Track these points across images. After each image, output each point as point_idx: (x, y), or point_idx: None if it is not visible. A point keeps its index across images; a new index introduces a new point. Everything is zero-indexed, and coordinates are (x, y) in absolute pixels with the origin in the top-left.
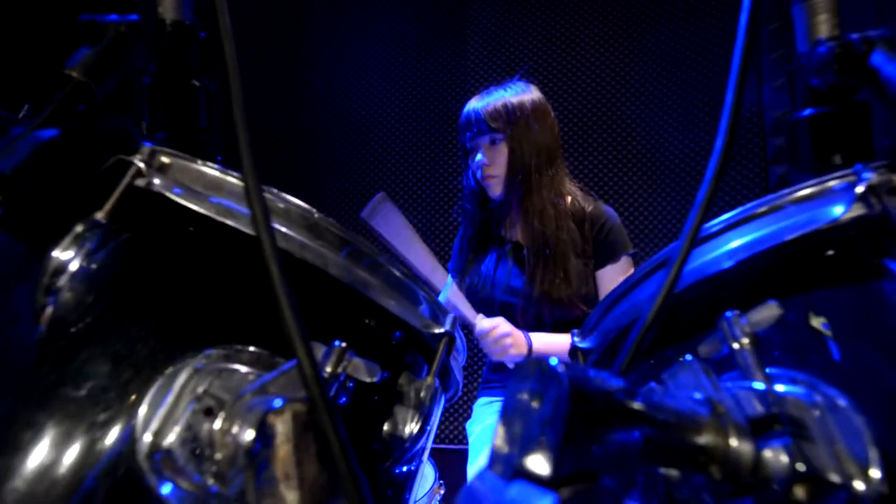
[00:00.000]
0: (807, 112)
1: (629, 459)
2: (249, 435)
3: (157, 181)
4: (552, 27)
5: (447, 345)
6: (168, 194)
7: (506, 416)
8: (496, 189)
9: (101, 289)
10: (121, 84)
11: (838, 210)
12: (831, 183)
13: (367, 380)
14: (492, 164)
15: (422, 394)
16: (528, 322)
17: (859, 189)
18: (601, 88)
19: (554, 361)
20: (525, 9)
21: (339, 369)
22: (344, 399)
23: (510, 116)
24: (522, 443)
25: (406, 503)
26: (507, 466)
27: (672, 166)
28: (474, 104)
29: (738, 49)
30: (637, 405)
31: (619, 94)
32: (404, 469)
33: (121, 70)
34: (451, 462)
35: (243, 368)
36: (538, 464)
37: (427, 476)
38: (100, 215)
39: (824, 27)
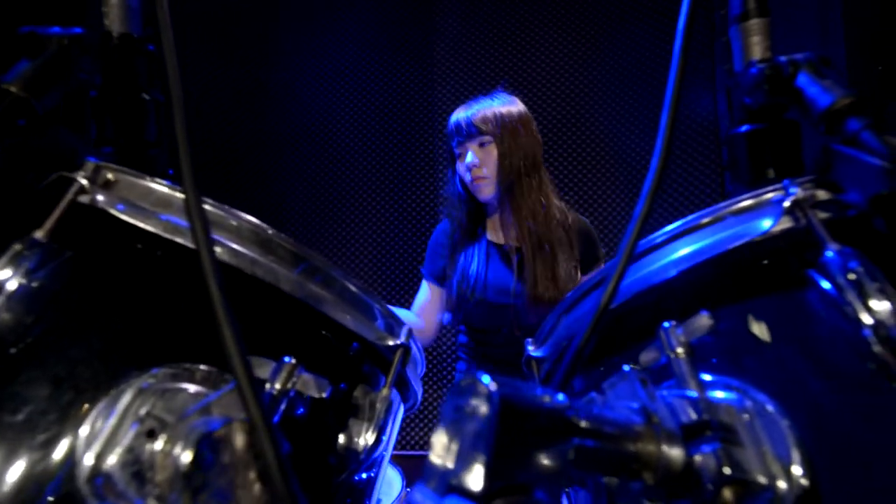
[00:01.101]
0: (742, 128)
1: (563, 471)
2: (187, 457)
3: (101, 198)
4: (518, 34)
5: (402, 356)
6: (112, 211)
7: (441, 431)
8: (486, 191)
9: (41, 309)
10: (72, 98)
11: (767, 223)
12: (767, 196)
13: (317, 395)
14: (482, 164)
15: (377, 405)
16: (524, 323)
17: (786, 203)
18: (567, 93)
19: (486, 379)
20: (491, 16)
21: (289, 385)
22: (301, 411)
23: (499, 121)
24: (456, 459)
25: None
26: (441, 482)
27: (637, 170)
28: (463, 111)
29: (669, 89)
30: (571, 418)
31: (584, 99)
32: (363, 476)
33: (63, 84)
34: (419, 468)
35: (192, 387)
36: (469, 480)
37: (393, 483)
38: (39, 233)
39: (757, 49)
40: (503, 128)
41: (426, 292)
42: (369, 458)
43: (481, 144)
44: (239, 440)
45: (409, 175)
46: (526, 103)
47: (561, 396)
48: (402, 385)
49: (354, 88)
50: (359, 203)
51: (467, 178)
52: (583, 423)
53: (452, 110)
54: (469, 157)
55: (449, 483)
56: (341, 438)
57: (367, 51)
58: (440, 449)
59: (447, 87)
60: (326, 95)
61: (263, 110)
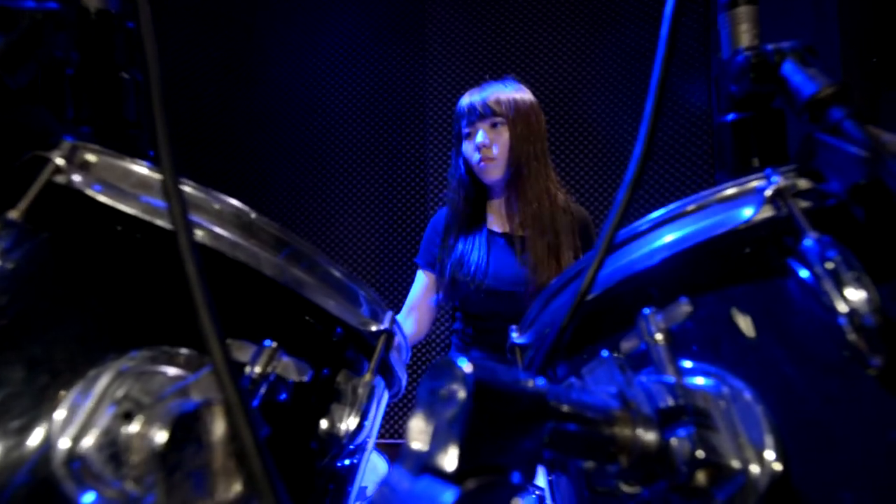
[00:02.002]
0: (728, 117)
1: (538, 454)
2: (161, 437)
3: (77, 178)
4: (512, 21)
5: (386, 342)
6: (88, 192)
7: (418, 412)
8: (493, 173)
9: (16, 290)
10: (49, 75)
11: (749, 211)
12: (752, 184)
13: (297, 379)
14: (491, 145)
15: (359, 391)
16: (524, 310)
17: (768, 192)
18: (561, 82)
19: (462, 362)
20: (484, 5)
21: (269, 369)
22: (283, 396)
23: (513, 105)
24: (430, 441)
25: (349, 495)
26: (416, 462)
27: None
28: (477, 93)
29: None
30: (547, 402)
31: (579, 89)
32: (346, 462)
33: (37, 61)
34: None
35: (172, 370)
36: (443, 460)
37: (379, 470)
38: (14, 214)
39: (745, 37)
40: (517, 112)
41: (422, 282)
42: (351, 443)
43: (493, 125)
44: (214, 421)
45: (400, 165)
46: None
47: (538, 380)
48: (386, 371)
49: (345, 74)
50: (347, 189)
51: (475, 158)
52: (559, 407)
53: (444, 98)
54: (479, 137)
55: (423, 463)
56: (323, 423)
57: (358, 36)
58: (415, 431)
59: (439, 73)
60: (316, 80)
61: (250, 93)
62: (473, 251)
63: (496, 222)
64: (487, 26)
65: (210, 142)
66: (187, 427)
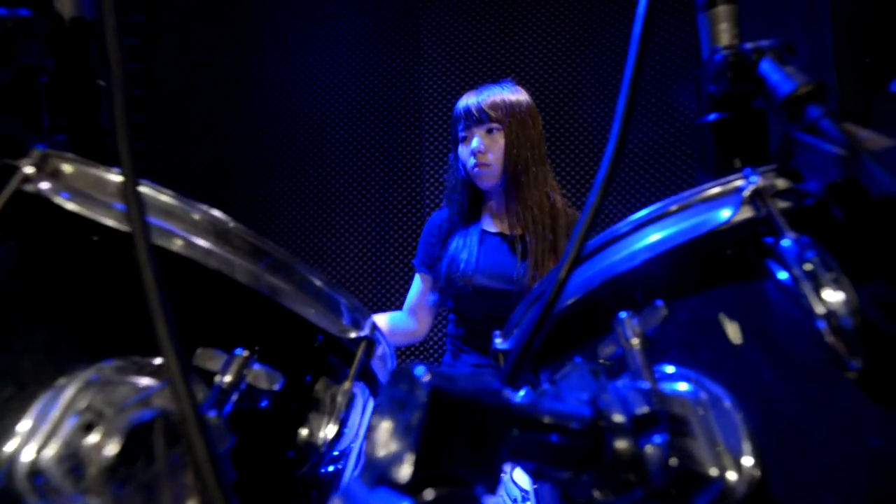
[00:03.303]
0: (709, 117)
1: (500, 464)
2: (112, 450)
3: (45, 186)
4: (506, 23)
5: (366, 349)
6: (56, 200)
7: (374, 422)
8: (488, 179)
9: None
10: (25, 83)
11: (727, 212)
12: (735, 183)
13: (268, 388)
14: (487, 151)
15: (338, 399)
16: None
17: (746, 192)
18: (556, 84)
19: (420, 370)
20: (478, 5)
21: (240, 378)
22: (265, 403)
23: (508, 109)
24: (386, 450)
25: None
26: (372, 473)
27: (628, 164)
28: (473, 96)
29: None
30: (512, 410)
31: (574, 90)
32: (329, 469)
33: (8, 68)
34: None
35: (142, 380)
36: (397, 471)
37: None
38: None
39: (724, 36)
40: (513, 116)
41: (419, 284)
42: (331, 452)
43: (489, 131)
44: (167, 433)
45: (396, 167)
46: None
47: (505, 389)
48: (369, 379)
49: (340, 77)
50: (343, 192)
51: (470, 163)
52: (525, 416)
53: (440, 100)
54: (475, 143)
55: (379, 474)
56: (302, 432)
57: (352, 41)
58: (373, 440)
59: (434, 76)
60: (311, 85)
61: (244, 96)
62: (464, 249)
63: (492, 223)
64: (482, 29)
65: (202, 145)
66: (141, 439)
